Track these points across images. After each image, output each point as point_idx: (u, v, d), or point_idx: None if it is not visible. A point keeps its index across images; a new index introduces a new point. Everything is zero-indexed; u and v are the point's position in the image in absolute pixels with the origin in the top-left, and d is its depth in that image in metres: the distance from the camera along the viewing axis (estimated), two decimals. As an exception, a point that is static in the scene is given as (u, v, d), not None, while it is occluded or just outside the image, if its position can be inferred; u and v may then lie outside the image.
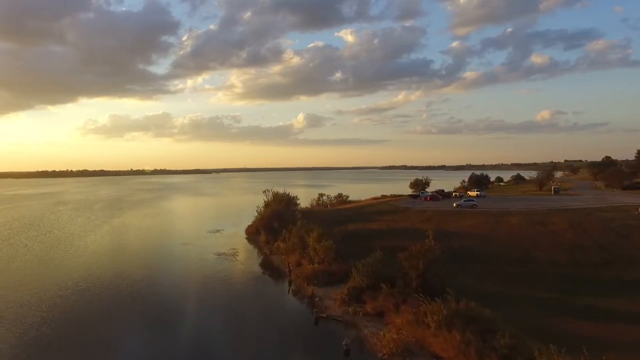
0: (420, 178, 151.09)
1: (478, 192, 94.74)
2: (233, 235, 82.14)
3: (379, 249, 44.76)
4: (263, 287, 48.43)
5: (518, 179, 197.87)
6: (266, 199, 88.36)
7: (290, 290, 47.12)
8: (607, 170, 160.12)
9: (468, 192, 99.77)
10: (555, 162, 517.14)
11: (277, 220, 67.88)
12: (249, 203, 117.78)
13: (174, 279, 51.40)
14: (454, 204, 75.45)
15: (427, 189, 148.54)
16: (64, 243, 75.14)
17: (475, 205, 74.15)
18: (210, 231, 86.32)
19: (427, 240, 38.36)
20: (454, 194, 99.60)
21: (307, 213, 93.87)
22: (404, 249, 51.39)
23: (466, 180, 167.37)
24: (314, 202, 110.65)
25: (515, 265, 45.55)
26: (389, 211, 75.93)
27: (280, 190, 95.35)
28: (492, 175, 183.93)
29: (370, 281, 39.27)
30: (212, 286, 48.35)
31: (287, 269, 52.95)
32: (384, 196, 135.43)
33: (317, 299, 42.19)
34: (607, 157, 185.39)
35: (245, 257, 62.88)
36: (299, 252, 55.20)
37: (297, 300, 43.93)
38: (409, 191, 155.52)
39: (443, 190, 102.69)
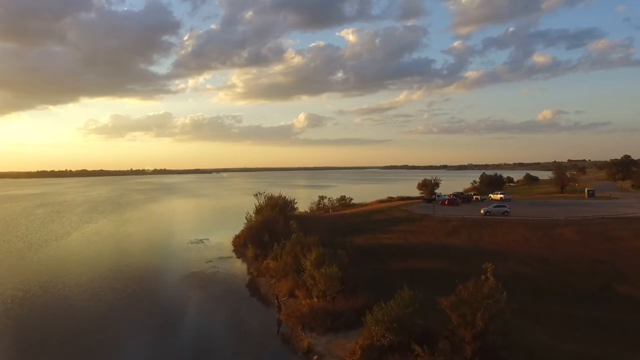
0: (429, 178, 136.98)
1: (502, 195, 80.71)
2: (217, 246, 68.34)
3: (397, 274, 31.48)
4: (240, 330, 34.49)
5: (531, 179, 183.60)
6: (258, 204, 74.65)
7: (279, 334, 33.39)
8: (632, 170, 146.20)
9: (490, 195, 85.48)
10: (559, 162, 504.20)
11: (268, 231, 53.98)
12: (244, 206, 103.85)
13: (123, 314, 37.53)
14: (482, 211, 61.58)
15: (436, 191, 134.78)
16: (14, 257, 61.54)
17: (507, 212, 60.31)
18: (193, 241, 72.54)
19: (483, 276, 24.35)
20: (474, 197, 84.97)
21: (306, 219, 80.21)
22: (431, 274, 37.53)
23: (477, 180, 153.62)
24: (314, 206, 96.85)
25: (598, 305, 31.60)
26: (404, 219, 62.04)
27: (279, 191, 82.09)
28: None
29: (395, 337, 25.47)
30: (171, 325, 34.61)
31: (276, 302, 39.13)
32: (390, 198, 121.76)
33: (315, 357, 28.42)
34: (626, 156, 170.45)
35: (225, 279, 49.10)
36: (292, 277, 41.32)
37: (286, 357, 30.10)
38: (415, 192, 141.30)
39: (462, 193, 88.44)
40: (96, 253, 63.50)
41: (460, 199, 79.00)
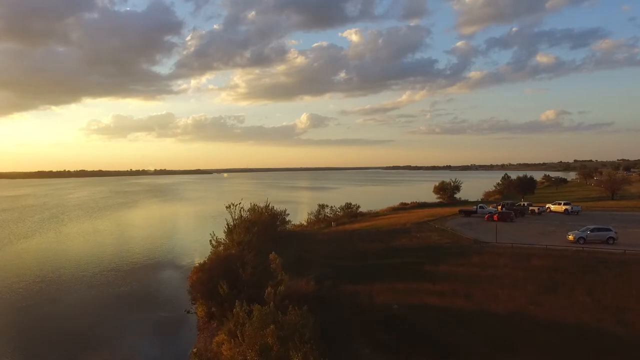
0: (448, 181, 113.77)
1: (568, 206, 57.44)
2: (171, 281, 45.85)
3: None
4: None
5: (556, 181, 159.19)
6: (231, 220, 51.90)
7: None
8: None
9: (549, 205, 61.83)
10: (565, 162, 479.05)
11: (230, 277, 30.82)
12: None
13: None
14: (570, 236, 38.52)
15: (455, 195, 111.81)
16: None
17: (614, 238, 37.28)
18: (143, 268, 50.09)
19: None
20: (530, 208, 60.20)
21: (300, 238, 57.80)
22: None
23: (500, 182, 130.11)
24: (312, 217, 73.94)
25: None
26: (448, 250, 38.89)
27: (276, 194, 60.09)
28: (499, 176, 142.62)
29: None
30: None
31: None
32: (404, 205, 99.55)
33: None
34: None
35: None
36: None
37: None
38: (428, 196, 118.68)
39: (513, 203, 64.27)
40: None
41: (512, 211, 55.21)
